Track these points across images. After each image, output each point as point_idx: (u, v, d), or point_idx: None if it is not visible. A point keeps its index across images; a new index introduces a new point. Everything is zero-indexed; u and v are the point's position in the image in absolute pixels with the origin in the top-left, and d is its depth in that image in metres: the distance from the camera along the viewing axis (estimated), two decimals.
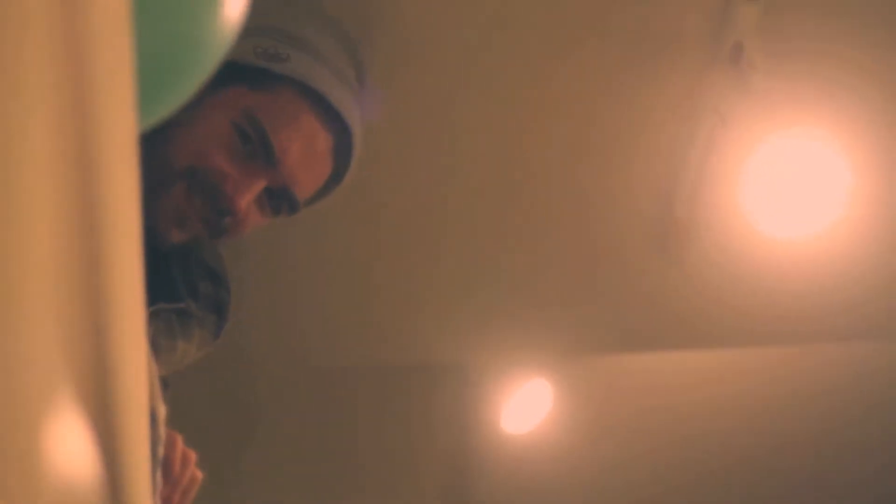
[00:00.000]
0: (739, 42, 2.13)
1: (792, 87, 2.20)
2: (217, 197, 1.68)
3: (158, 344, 1.73)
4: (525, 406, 3.60)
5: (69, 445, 0.51)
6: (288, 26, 1.88)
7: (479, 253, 2.64)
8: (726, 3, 2.11)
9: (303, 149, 1.76)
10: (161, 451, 0.93)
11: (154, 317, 1.72)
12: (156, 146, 1.66)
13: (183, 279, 1.81)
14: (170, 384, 1.90)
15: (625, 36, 2.16)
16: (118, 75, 0.51)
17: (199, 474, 1.61)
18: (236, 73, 1.75)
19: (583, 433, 3.78)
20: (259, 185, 1.71)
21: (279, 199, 1.78)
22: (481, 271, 2.68)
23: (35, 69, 0.38)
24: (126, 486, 0.70)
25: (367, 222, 2.52)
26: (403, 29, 2.10)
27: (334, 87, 1.82)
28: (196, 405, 2.73)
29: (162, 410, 0.93)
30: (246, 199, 1.70)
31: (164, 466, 1.32)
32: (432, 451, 3.68)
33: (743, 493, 4.13)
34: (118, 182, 0.56)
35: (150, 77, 0.60)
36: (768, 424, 3.80)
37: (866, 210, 2.41)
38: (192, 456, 1.50)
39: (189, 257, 1.84)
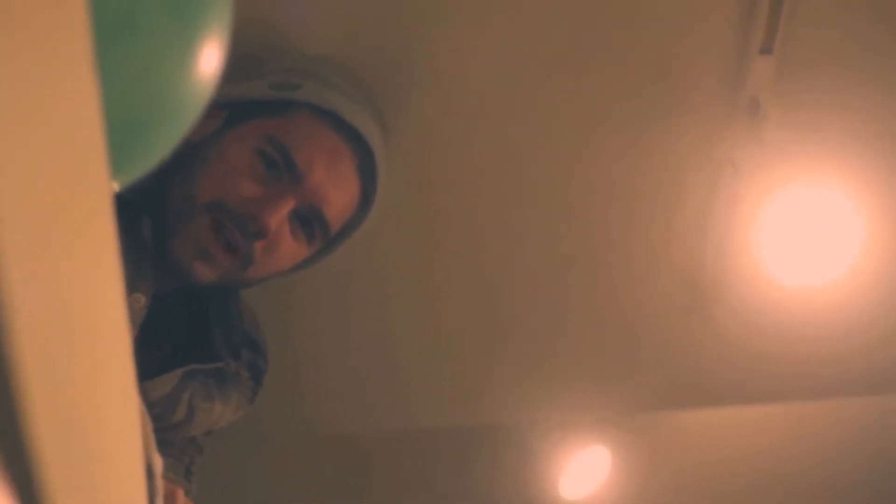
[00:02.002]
0: (755, 95, 2.14)
1: (806, 139, 2.20)
2: (245, 221, 1.68)
3: (194, 406, 1.74)
4: (583, 471, 3.59)
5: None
6: (299, 65, 1.91)
7: (523, 317, 2.64)
8: (742, 57, 2.12)
9: (327, 164, 1.77)
10: (160, 503, 0.94)
11: (190, 377, 1.73)
12: (181, 186, 1.68)
13: (223, 340, 1.82)
14: (203, 450, 1.91)
15: (641, 95, 2.17)
16: (90, 143, 0.53)
17: None
18: (254, 108, 1.78)
19: (638, 496, 3.76)
20: (287, 204, 1.71)
21: (310, 223, 1.78)
22: (520, 335, 2.69)
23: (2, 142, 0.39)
24: None
25: (417, 279, 2.53)
26: (424, 92, 2.11)
27: (350, 108, 1.83)
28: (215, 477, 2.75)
29: (158, 463, 0.94)
30: (275, 218, 1.69)
31: None
32: None
33: None
34: (97, 242, 0.58)
35: (124, 140, 0.62)
36: (823, 477, 3.77)
37: (878, 259, 2.41)
38: None
39: (231, 318, 1.85)
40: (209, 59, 0.68)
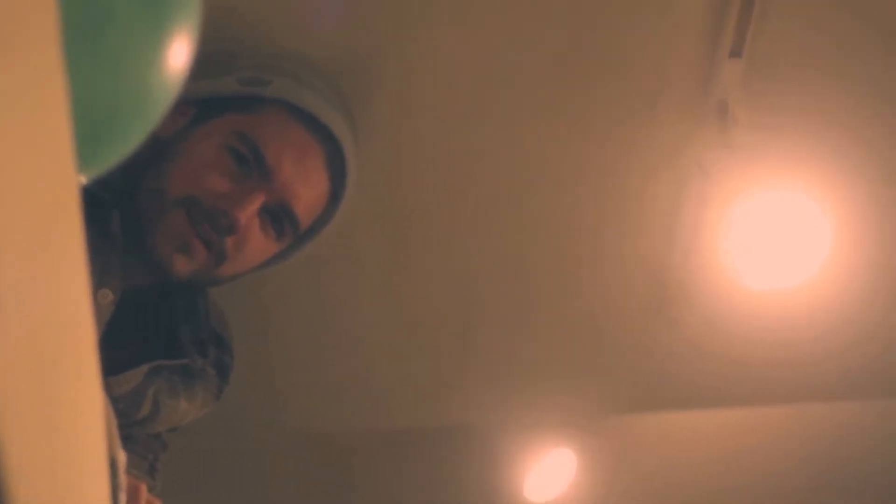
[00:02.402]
0: (724, 98, 2.15)
1: (774, 142, 2.21)
2: (217, 216, 1.69)
3: (160, 402, 1.73)
4: (548, 474, 3.59)
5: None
6: (269, 62, 1.91)
7: (482, 319, 2.64)
8: (711, 60, 2.13)
9: (295, 160, 1.77)
10: (123, 498, 0.94)
11: (155, 374, 1.72)
12: (151, 181, 1.69)
13: (190, 337, 1.82)
14: (168, 446, 1.90)
15: (610, 96, 2.18)
16: (57, 135, 0.53)
17: None
18: (223, 104, 1.78)
19: (603, 499, 3.77)
20: (257, 199, 1.72)
21: (280, 219, 1.78)
22: (485, 336, 2.69)
23: None
24: None
25: (396, 285, 2.53)
26: (395, 91, 2.11)
27: (318, 104, 1.84)
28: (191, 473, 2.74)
29: (122, 457, 0.94)
30: (245, 213, 1.71)
31: None
32: None
33: None
34: (63, 236, 0.57)
35: (91, 133, 0.62)
36: (783, 482, 3.78)
37: (846, 262, 2.43)
38: None
39: (198, 315, 1.85)
40: (179, 53, 0.67)
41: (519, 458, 3.52)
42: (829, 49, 2.14)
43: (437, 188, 2.31)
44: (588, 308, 2.62)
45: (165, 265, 1.69)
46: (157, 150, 1.70)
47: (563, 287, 2.56)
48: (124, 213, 1.66)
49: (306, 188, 1.80)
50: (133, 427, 1.70)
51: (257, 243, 1.77)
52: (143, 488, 1.22)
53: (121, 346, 1.71)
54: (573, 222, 2.41)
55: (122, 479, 0.94)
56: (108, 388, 1.57)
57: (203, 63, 0.78)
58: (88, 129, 0.60)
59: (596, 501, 3.75)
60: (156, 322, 1.82)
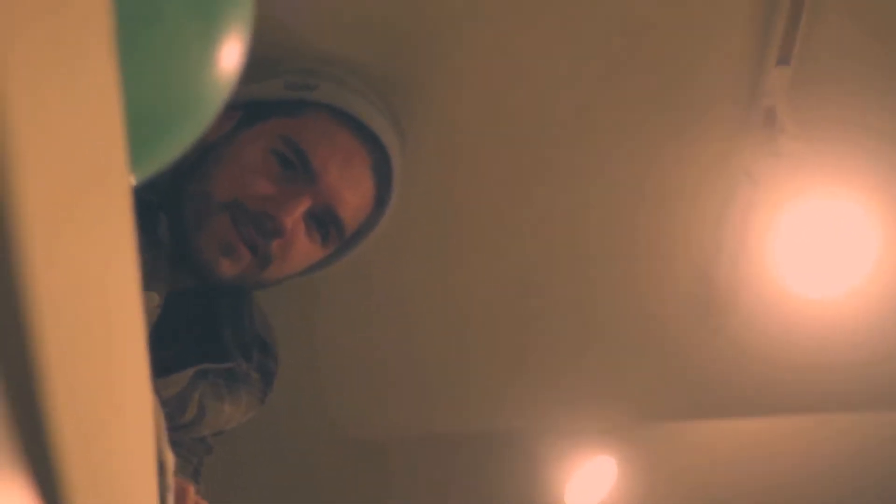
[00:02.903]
0: (772, 106, 2.14)
1: (822, 150, 2.20)
2: (262, 220, 1.69)
3: (205, 406, 1.74)
4: (588, 481, 3.57)
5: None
6: (314, 67, 1.91)
7: (530, 325, 2.64)
8: (759, 67, 2.12)
9: (341, 165, 1.77)
10: (171, 499, 0.94)
11: (201, 377, 1.73)
12: (196, 185, 1.69)
13: (234, 341, 1.82)
14: (212, 450, 1.90)
15: (657, 104, 2.17)
16: (110, 137, 0.53)
17: None
18: (269, 108, 1.78)
19: None
20: (303, 203, 1.72)
21: (325, 223, 1.78)
22: (533, 342, 2.68)
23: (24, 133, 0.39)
24: None
25: (428, 291, 2.53)
26: (446, 95, 2.11)
27: (366, 110, 1.84)
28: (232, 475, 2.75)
29: (170, 459, 0.94)
30: (291, 217, 1.70)
31: None
32: None
33: None
34: (115, 237, 0.58)
35: (142, 135, 0.62)
36: (828, 491, 3.75)
37: (893, 271, 2.41)
38: None
39: (242, 319, 1.86)
40: (230, 56, 0.68)
41: (560, 465, 3.51)
42: (877, 58, 2.12)
43: (488, 195, 2.31)
44: (634, 314, 2.61)
45: (210, 268, 1.70)
46: (202, 154, 1.70)
47: (611, 294, 2.56)
48: (171, 217, 1.66)
49: (352, 193, 1.80)
50: (178, 431, 1.70)
51: (303, 247, 1.77)
52: (191, 490, 1.22)
53: (165, 349, 1.71)
54: (620, 230, 2.41)
55: (171, 481, 0.94)
56: (155, 391, 1.58)
57: (248, 67, 0.78)
58: (140, 129, 0.61)
59: None
60: (200, 325, 1.82)
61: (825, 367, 2.68)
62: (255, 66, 0.81)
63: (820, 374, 2.71)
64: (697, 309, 2.56)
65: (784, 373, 2.70)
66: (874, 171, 2.24)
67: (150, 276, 1.59)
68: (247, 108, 1.77)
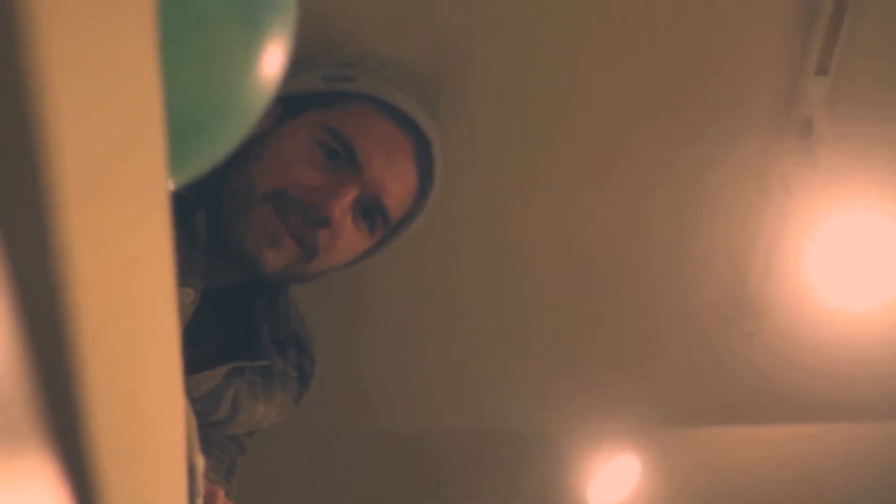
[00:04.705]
0: (809, 116, 2.13)
1: (859, 162, 2.19)
2: (309, 210, 1.68)
3: (238, 404, 1.73)
4: (611, 480, 3.58)
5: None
6: (351, 60, 1.90)
7: (562, 327, 2.64)
8: (798, 78, 2.11)
9: (386, 155, 1.77)
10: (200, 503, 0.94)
11: (237, 375, 1.72)
12: (236, 180, 1.68)
13: (270, 337, 1.81)
14: (246, 449, 1.90)
15: (695, 111, 2.17)
16: (150, 140, 0.53)
17: None
18: (308, 100, 1.77)
19: None
20: (351, 192, 1.71)
21: (371, 213, 1.77)
22: (570, 347, 2.69)
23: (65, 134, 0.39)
24: None
25: (458, 289, 2.54)
26: (486, 94, 2.11)
27: (405, 99, 1.83)
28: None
29: (200, 462, 0.94)
30: (339, 206, 1.69)
31: None
32: None
33: None
34: (151, 234, 0.57)
35: (184, 139, 0.62)
36: (851, 500, 3.74)
37: None
38: None
39: (278, 315, 1.85)
40: (273, 61, 0.67)
41: (583, 464, 3.51)
42: None
43: (522, 196, 2.32)
44: (664, 318, 2.61)
45: (256, 260, 1.68)
46: (242, 149, 1.70)
47: (645, 299, 2.56)
48: (209, 212, 1.65)
49: (396, 182, 1.79)
50: (210, 428, 1.70)
51: (350, 237, 1.76)
52: (221, 494, 1.22)
53: (200, 346, 1.71)
54: (654, 234, 2.41)
55: (200, 484, 0.94)
56: (187, 388, 1.58)
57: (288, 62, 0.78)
58: (181, 133, 0.60)
59: None
60: (235, 321, 1.82)
61: (856, 377, 2.68)
62: (293, 60, 0.80)
63: (851, 382, 2.71)
64: (729, 315, 2.56)
65: (814, 382, 2.70)
66: None
67: (185, 272, 1.59)
68: (286, 101, 1.76)
